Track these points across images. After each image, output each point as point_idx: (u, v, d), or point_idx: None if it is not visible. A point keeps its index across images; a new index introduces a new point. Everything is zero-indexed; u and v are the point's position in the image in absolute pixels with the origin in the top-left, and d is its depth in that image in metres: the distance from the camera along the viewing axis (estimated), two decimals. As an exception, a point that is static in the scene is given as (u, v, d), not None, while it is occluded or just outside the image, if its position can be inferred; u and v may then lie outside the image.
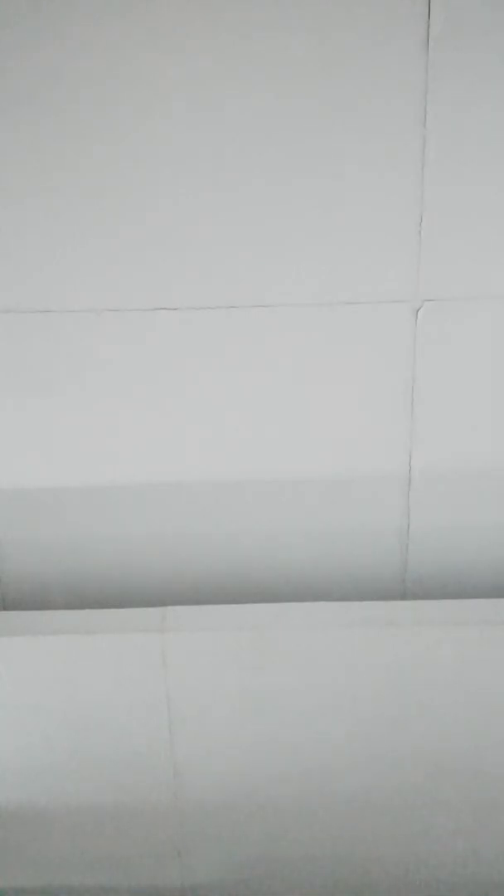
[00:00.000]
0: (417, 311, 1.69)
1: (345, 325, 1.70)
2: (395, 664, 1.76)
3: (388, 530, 1.84)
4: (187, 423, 1.77)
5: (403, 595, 1.89)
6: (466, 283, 1.67)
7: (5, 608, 1.91)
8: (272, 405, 1.76)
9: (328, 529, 1.84)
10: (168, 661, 1.76)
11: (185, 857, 1.94)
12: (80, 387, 1.75)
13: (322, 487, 1.81)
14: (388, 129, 1.57)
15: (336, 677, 1.77)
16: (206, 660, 1.77)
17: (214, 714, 1.81)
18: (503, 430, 1.77)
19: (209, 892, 1.97)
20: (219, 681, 1.78)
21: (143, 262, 1.66)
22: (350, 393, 1.75)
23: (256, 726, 1.81)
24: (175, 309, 1.69)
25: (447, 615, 1.77)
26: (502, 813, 1.88)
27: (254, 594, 1.89)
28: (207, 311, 1.69)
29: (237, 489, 1.81)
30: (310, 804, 1.88)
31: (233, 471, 1.80)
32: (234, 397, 1.76)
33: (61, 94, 1.56)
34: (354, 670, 1.76)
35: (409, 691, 1.78)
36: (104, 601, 1.89)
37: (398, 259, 1.65)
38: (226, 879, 1.96)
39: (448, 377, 1.74)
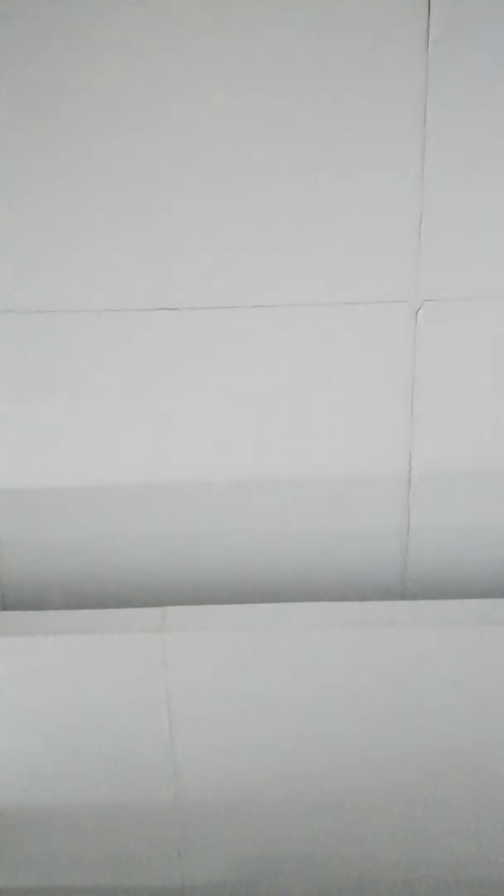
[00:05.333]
0: (417, 311, 1.69)
1: (345, 325, 1.70)
2: (395, 664, 1.76)
3: (388, 530, 1.84)
4: (187, 423, 1.77)
5: (403, 595, 1.89)
6: (466, 283, 1.67)
7: (5, 608, 1.91)
8: (272, 405, 1.76)
9: (328, 529, 1.84)
10: (168, 661, 1.76)
11: (185, 857, 1.94)
12: (80, 387, 1.75)
13: (322, 487, 1.81)
14: (388, 128, 1.57)
15: (336, 677, 1.77)
16: (206, 660, 1.77)
17: (214, 714, 1.81)
18: (503, 429, 1.77)
19: (209, 892, 1.97)
20: (219, 681, 1.78)
21: (143, 262, 1.66)
22: (350, 393, 1.75)
23: (256, 726, 1.81)
24: (175, 309, 1.69)
25: (447, 615, 1.77)
26: (502, 812, 1.88)
27: (254, 594, 1.89)
28: (207, 311, 1.69)
29: (237, 489, 1.81)
30: (310, 804, 1.88)
31: (233, 471, 1.80)
32: (234, 397, 1.76)
33: (61, 93, 1.56)
34: (354, 670, 1.76)
35: (409, 691, 1.78)
36: (104, 601, 1.89)
37: (398, 259, 1.65)
38: (226, 879, 1.96)
39: (448, 377, 1.74)
